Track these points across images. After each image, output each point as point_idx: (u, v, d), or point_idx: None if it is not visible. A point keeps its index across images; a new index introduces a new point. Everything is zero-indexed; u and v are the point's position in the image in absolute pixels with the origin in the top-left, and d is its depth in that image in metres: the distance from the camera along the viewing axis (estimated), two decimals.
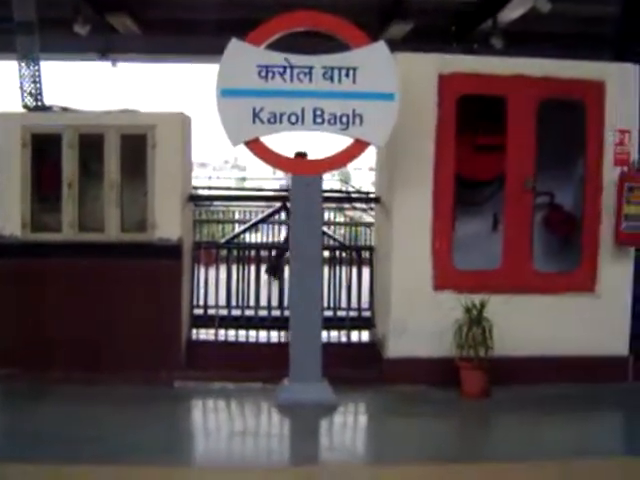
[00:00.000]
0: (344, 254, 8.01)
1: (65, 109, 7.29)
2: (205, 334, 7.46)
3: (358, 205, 13.25)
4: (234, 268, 7.75)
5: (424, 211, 6.81)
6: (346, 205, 13.09)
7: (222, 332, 7.41)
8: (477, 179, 7.39)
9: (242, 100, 6.20)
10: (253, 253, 7.99)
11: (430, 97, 6.77)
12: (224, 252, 7.88)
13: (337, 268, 7.83)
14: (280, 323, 7.37)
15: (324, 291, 7.10)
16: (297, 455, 5.65)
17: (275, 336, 7.42)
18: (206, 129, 10.16)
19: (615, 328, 7.02)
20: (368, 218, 12.55)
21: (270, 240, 12.44)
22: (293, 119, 6.22)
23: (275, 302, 7.68)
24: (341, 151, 6.46)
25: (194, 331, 7.43)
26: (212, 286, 7.67)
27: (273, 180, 22.76)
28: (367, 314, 7.67)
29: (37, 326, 6.79)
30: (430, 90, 6.77)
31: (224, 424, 6.33)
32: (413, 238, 6.84)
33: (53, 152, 6.86)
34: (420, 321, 6.79)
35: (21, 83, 9.29)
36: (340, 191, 13.82)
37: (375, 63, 6.24)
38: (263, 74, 6.20)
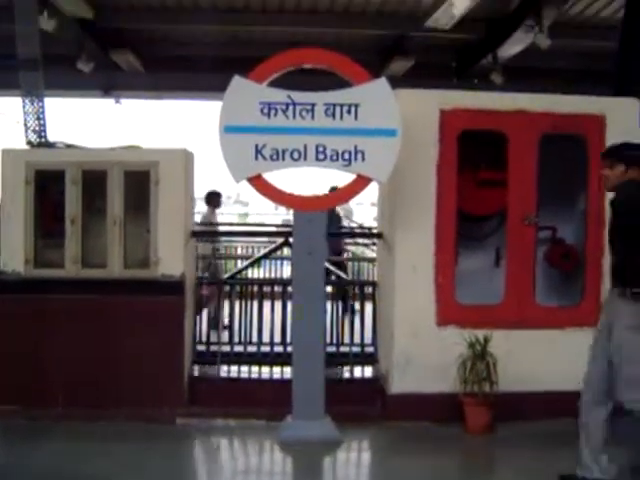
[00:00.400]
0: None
1: (69, 146, 7.33)
2: (207, 370, 7.41)
3: (360, 240, 13.28)
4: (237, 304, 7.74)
5: (426, 246, 6.81)
6: (348, 240, 13.07)
7: (224, 368, 7.38)
8: (479, 214, 7.39)
9: (245, 137, 6.24)
10: (256, 289, 7.99)
11: (431, 132, 6.80)
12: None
13: (340, 304, 7.83)
14: (283, 359, 7.33)
15: (327, 326, 7.09)
16: None
17: (278, 372, 7.38)
18: (209, 165, 10.20)
19: None
20: (371, 253, 12.53)
21: (273, 276, 12.43)
22: (295, 155, 6.25)
23: (278, 338, 7.66)
24: (343, 187, 6.49)
25: (196, 367, 7.39)
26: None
27: (274, 215, 22.81)
28: (370, 349, 7.64)
29: (38, 362, 6.75)
30: (431, 125, 6.80)
31: (227, 463, 6.26)
32: (415, 273, 6.83)
33: (56, 188, 6.87)
34: (424, 356, 6.76)
35: (25, 119, 9.32)
36: (343, 226, 13.82)
37: (377, 99, 6.28)
38: (266, 111, 6.24)
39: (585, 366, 5.22)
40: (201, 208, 12.25)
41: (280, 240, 8.69)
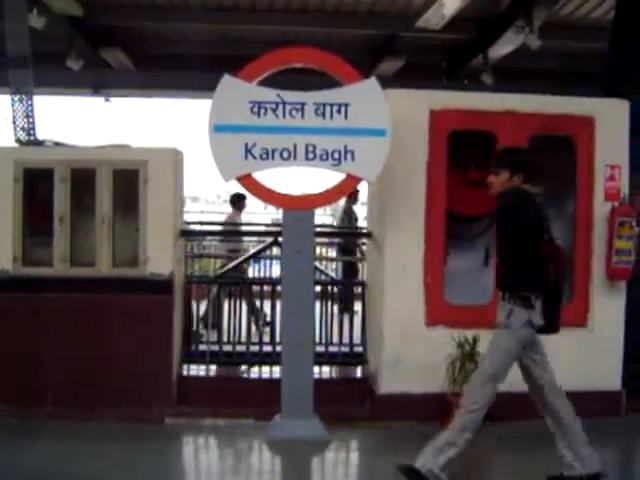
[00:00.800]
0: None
1: (58, 144, 7.30)
2: (196, 370, 7.40)
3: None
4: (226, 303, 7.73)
5: (416, 246, 6.81)
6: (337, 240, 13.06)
7: (213, 368, 7.36)
8: (468, 214, 7.40)
9: (234, 136, 6.23)
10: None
11: (421, 132, 6.80)
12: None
13: (329, 303, 7.83)
14: (272, 358, 7.32)
15: (316, 326, 7.08)
16: None
17: (267, 372, 7.37)
18: (199, 163, 10.19)
19: (608, 363, 7.02)
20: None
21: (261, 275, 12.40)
22: (285, 155, 6.24)
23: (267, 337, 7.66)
24: (333, 186, 6.48)
25: (185, 367, 7.38)
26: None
27: (263, 214, 22.77)
28: (359, 349, 7.64)
29: (27, 361, 6.72)
30: (421, 126, 6.81)
31: (215, 462, 6.27)
32: (405, 273, 6.84)
33: (45, 186, 6.84)
34: (413, 356, 6.76)
35: (14, 117, 9.28)
36: (332, 226, 13.81)
37: (367, 99, 6.29)
38: (255, 110, 6.24)
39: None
40: (191, 207, 12.23)
41: (269, 239, 8.68)
